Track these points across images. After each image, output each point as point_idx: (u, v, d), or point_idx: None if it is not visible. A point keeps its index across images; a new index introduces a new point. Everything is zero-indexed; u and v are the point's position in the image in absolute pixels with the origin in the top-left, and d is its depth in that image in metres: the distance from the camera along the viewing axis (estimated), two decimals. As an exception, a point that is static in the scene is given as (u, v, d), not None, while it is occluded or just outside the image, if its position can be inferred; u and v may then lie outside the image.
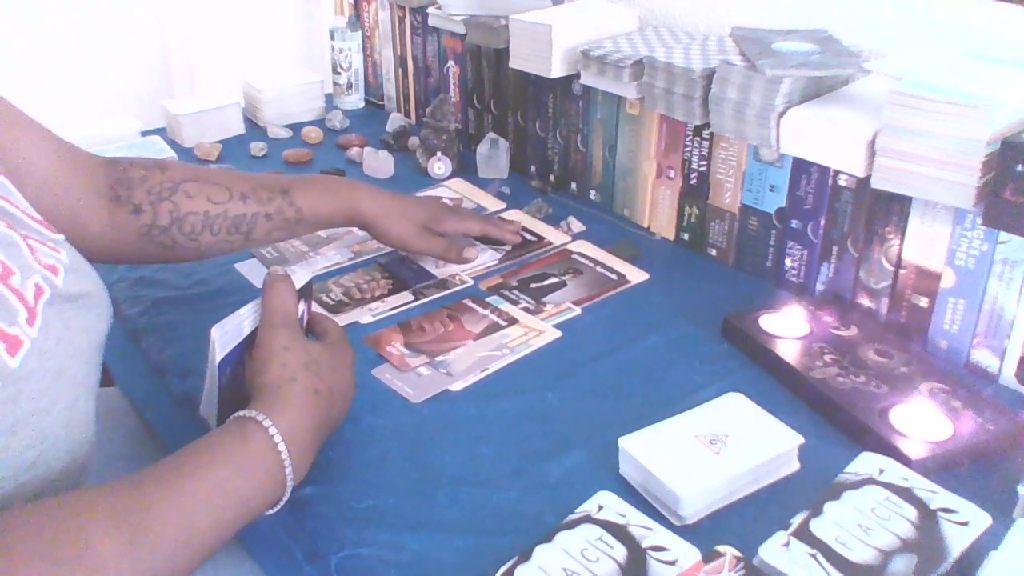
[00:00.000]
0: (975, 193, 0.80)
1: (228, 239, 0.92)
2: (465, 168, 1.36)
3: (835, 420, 0.81)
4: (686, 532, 0.67)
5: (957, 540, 0.64)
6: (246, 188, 0.93)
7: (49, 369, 0.60)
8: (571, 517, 0.68)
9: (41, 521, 0.54)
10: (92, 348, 0.67)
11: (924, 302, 0.92)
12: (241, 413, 0.66)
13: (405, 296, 1.03)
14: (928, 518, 0.66)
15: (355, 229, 1.18)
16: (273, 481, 0.65)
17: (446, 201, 1.20)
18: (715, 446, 0.73)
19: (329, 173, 1.34)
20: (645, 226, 1.20)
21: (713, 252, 1.12)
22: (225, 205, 0.91)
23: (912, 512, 0.67)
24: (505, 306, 1.01)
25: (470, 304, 1.01)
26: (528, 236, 1.17)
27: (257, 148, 1.44)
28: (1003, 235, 0.83)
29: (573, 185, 1.29)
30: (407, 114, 1.60)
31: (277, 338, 0.71)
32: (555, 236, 1.17)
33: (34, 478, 0.58)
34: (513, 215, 1.22)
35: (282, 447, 0.65)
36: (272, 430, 0.65)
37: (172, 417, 0.92)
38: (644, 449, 0.73)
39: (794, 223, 1.01)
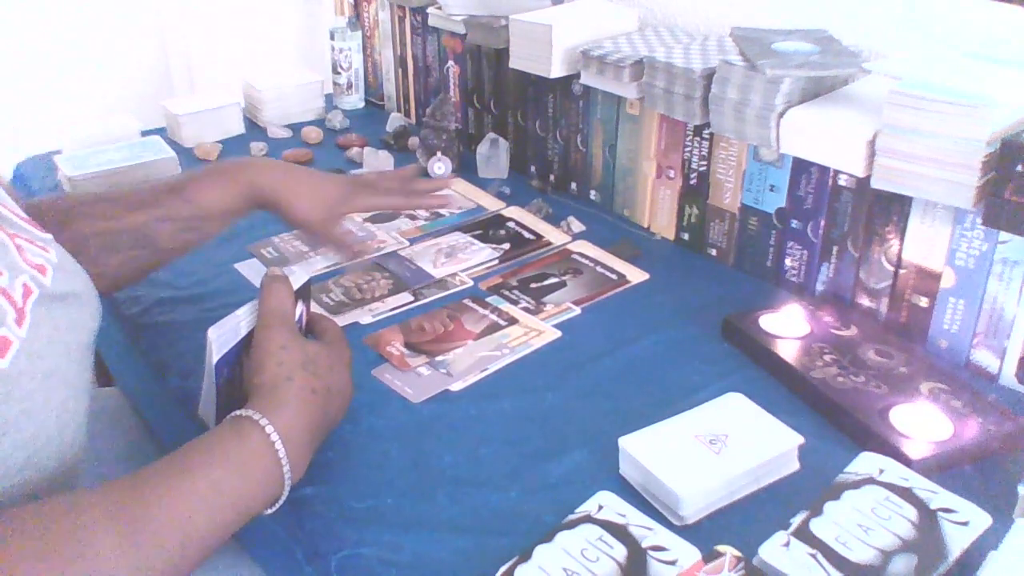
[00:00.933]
0: (975, 193, 0.80)
1: (135, 255, 0.86)
2: (465, 168, 1.36)
3: (835, 420, 0.81)
4: (686, 532, 0.67)
5: (957, 540, 0.64)
6: (140, 197, 0.88)
7: (39, 370, 0.60)
8: (571, 517, 0.68)
9: (38, 521, 0.54)
10: (83, 348, 0.67)
11: (924, 302, 0.92)
12: (238, 412, 0.66)
13: (405, 296, 1.03)
14: (928, 518, 0.66)
15: (354, 229, 1.18)
16: (271, 480, 0.65)
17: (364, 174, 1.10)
18: (715, 446, 0.73)
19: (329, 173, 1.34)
20: (645, 226, 1.20)
21: (713, 252, 1.12)
22: (121, 219, 0.85)
23: (912, 512, 0.67)
24: (505, 306, 1.01)
25: (470, 304, 1.01)
26: (528, 236, 1.17)
27: (257, 148, 1.44)
28: (1003, 235, 0.83)
29: (573, 185, 1.29)
30: (407, 114, 1.60)
31: (274, 338, 0.70)
32: (555, 236, 1.17)
33: (26, 479, 0.58)
34: (513, 214, 1.22)
35: (279, 446, 0.65)
36: (269, 429, 0.65)
37: (172, 417, 0.92)
38: (644, 449, 0.73)
39: (794, 223, 1.01)
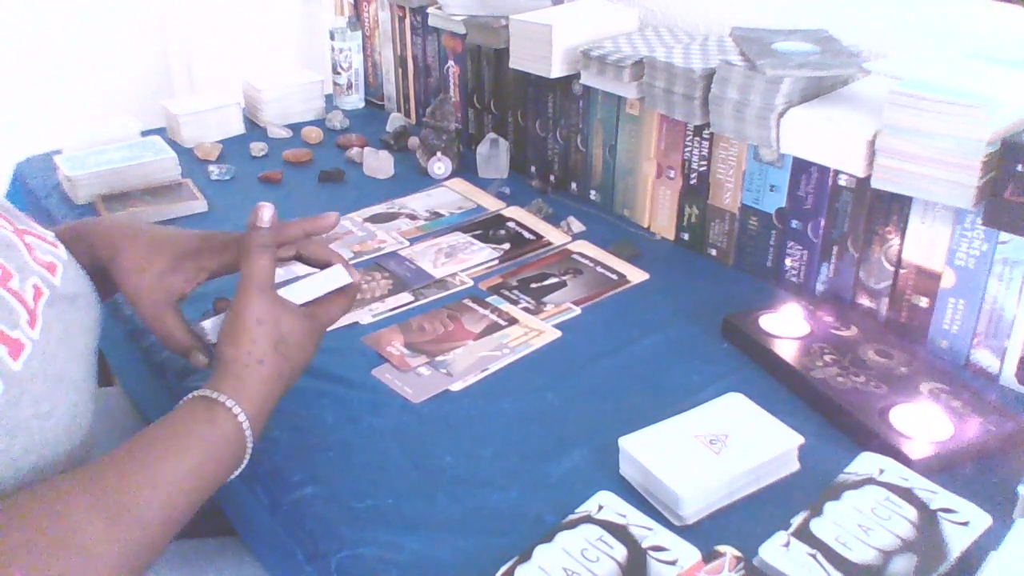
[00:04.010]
0: (975, 193, 0.80)
1: None
2: (465, 168, 1.36)
3: (835, 420, 0.81)
4: (686, 532, 0.67)
5: (957, 540, 0.64)
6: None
7: (51, 373, 0.60)
8: (571, 517, 0.68)
9: (25, 511, 0.55)
10: (89, 351, 0.68)
11: (924, 302, 0.92)
12: (211, 395, 0.66)
13: (405, 296, 1.03)
14: (928, 518, 0.66)
15: (354, 229, 1.18)
16: (237, 460, 0.66)
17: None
18: (715, 446, 0.73)
19: (329, 173, 1.34)
20: (645, 226, 1.20)
21: (713, 252, 1.12)
22: None
23: (912, 512, 0.67)
24: (505, 306, 1.01)
25: (470, 304, 1.01)
26: (528, 236, 1.17)
27: (257, 148, 1.44)
28: (1003, 235, 0.83)
29: (573, 185, 1.29)
30: (407, 114, 1.60)
31: (252, 309, 0.69)
32: (555, 236, 1.17)
33: (34, 481, 0.59)
34: (513, 214, 1.22)
35: (248, 432, 0.66)
36: (241, 417, 0.66)
37: (172, 417, 0.92)
38: (644, 449, 0.73)
39: (794, 223, 1.01)
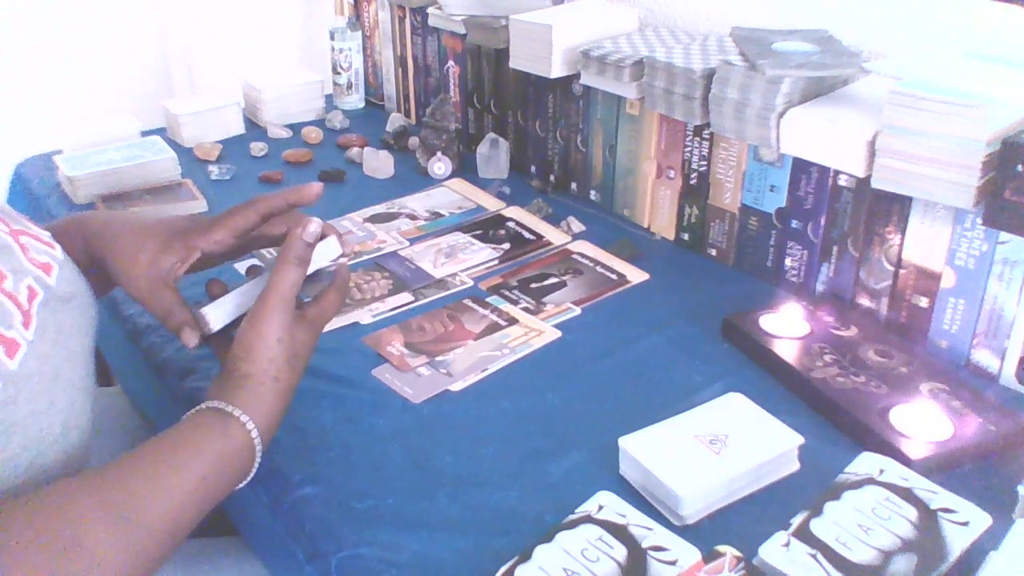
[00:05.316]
0: (975, 193, 0.80)
1: None
2: (465, 168, 1.36)
3: (835, 420, 0.81)
4: (686, 532, 0.67)
5: (957, 540, 0.64)
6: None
7: (47, 372, 0.60)
8: (571, 517, 0.68)
9: (31, 514, 0.55)
10: (85, 351, 0.68)
11: (924, 302, 0.92)
12: (225, 408, 0.66)
13: (405, 296, 1.03)
14: (928, 518, 0.66)
15: (354, 229, 1.18)
16: (246, 471, 0.67)
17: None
18: (715, 446, 0.73)
19: (329, 173, 1.34)
20: (645, 226, 1.20)
21: (713, 252, 1.12)
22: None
23: (912, 512, 0.67)
24: (505, 306, 1.01)
25: (470, 304, 1.01)
26: (528, 236, 1.17)
27: (257, 148, 1.44)
28: (1003, 235, 0.83)
29: (573, 185, 1.29)
30: (407, 114, 1.60)
31: (272, 325, 0.69)
32: (555, 236, 1.17)
33: (31, 479, 0.59)
34: (513, 214, 1.22)
35: (259, 445, 0.66)
36: (254, 433, 0.66)
37: (172, 417, 0.91)
38: (644, 449, 0.73)
39: (794, 223, 1.01)
